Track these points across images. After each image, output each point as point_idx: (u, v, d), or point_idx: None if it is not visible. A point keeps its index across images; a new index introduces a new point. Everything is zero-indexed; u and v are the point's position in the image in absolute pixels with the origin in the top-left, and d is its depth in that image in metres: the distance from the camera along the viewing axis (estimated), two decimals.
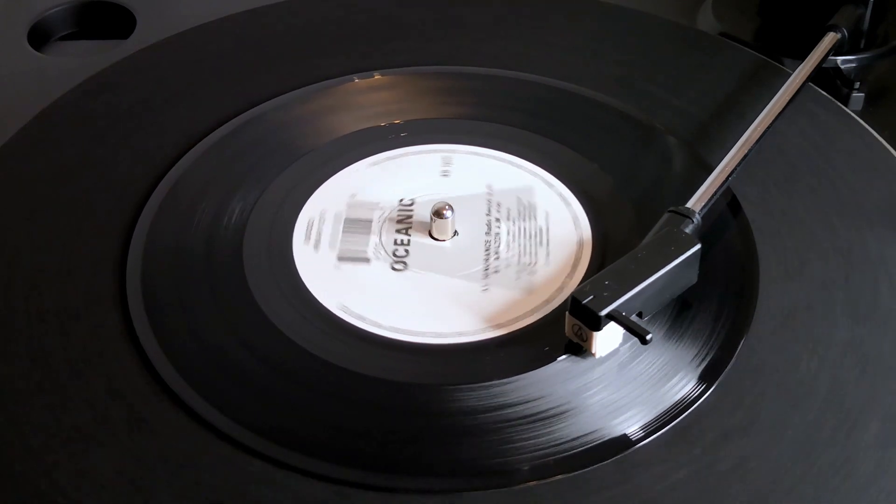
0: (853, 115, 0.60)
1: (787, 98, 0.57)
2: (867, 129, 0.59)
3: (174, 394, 0.46)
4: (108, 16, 0.73)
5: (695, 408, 0.46)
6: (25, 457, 0.44)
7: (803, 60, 0.60)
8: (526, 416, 0.45)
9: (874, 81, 0.67)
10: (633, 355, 0.47)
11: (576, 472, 0.43)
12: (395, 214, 0.55)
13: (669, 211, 0.51)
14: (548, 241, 0.52)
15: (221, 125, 0.59)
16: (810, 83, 0.60)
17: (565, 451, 0.44)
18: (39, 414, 0.45)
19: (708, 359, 0.48)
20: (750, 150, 0.54)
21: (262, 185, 0.56)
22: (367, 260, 0.53)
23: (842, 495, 0.43)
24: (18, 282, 0.51)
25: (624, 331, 0.46)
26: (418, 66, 0.64)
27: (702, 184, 0.52)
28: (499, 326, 0.49)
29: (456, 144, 0.58)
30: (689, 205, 0.51)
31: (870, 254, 0.52)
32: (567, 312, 0.47)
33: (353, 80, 0.62)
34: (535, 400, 0.46)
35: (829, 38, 0.62)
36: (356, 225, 0.54)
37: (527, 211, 0.54)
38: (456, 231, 0.53)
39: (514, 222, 0.54)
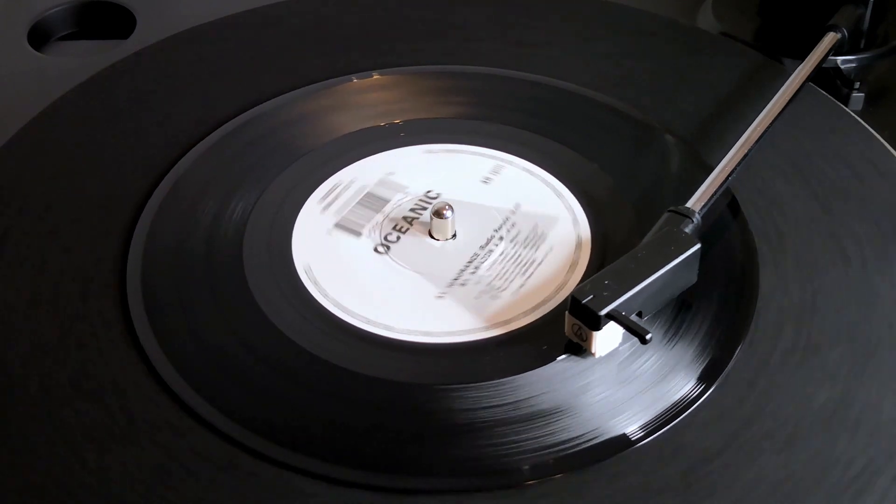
0: (853, 115, 0.60)
1: (787, 98, 0.57)
2: (867, 129, 0.59)
3: (174, 394, 0.46)
4: (108, 16, 0.73)
5: (694, 408, 0.46)
6: (24, 458, 0.44)
7: (803, 60, 0.60)
8: (525, 416, 0.45)
9: (874, 81, 0.67)
10: (632, 355, 0.47)
11: (575, 472, 0.43)
12: (412, 203, 0.55)
13: (669, 211, 0.51)
14: (532, 273, 0.51)
15: (221, 125, 0.59)
16: (810, 83, 0.60)
17: (564, 450, 0.44)
18: (38, 414, 0.45)
19: (707, 359, 0.48)
20: (750, 150, 0.54)
21: (262, 185, 0.56)
22: (358, 234, 0.53)
23: (843, 492, 0.43)
24: (18, 282, 0.51)
25: (624, 330, 0.46)
26: (417, 65, 0.64)
27: (702, 184, 0.52)
28: (499, 326, 0.49)
29: (514, 157, 0.57)
30: (688, 205, 0.51)
31: (870, 253, 0.52)
32: (567, 312, 0.47)
33: (351, 80, 0.62)
34: (534, 400, 0.46)
35: (829, 38, 0.62)
36: (372, 201, 0.55)
37: (534, 240, 0.53)
38: (455, 234, 0.53)
39: (514, 245, 0.53)
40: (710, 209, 0.52)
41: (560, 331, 0.48)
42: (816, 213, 0.54)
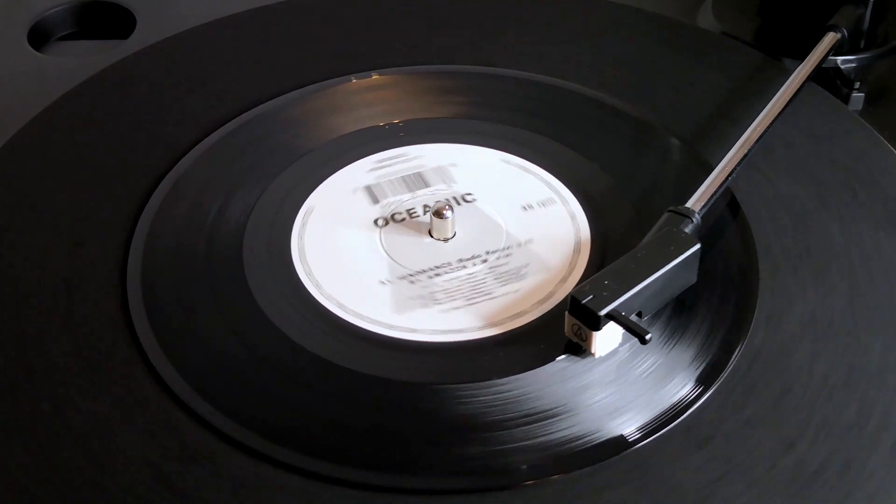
0: (853, 114, 0.60)
1: (787, 98, 0.57)
2: (868, 129, 0.59)
3: (174, 394, 0.46)
4: (108, 16, 0.73)
5: (694, 409, 0.46)
6: (24, 457, 0.44)
7: (803, 60, 0.61)
8: (525, 416, 0.45)
9: (874, 81, 0.67)
10: (632, 355, 0.47)
11: (574, 472, 0.43)
12: (445, 196, 0.55)
13: (669, 211, 0.51)
14: (475, 304, 0.50)
15: (221, 125, 0.59)
16: (811, 82, 0.60)
17: (563, 451, 0.44)
18: (38, 414, 0.45)
19: (707, 359, 0.47)
20: (750, 150, 0.54)
21: (262, 185, 0.56)
22: (377, 202, 0.55)
23: (840, 495, 0.43)
24: (18, 281, 0.51)
25: (623, 330, 0.46)
26: (417, 65, 0.64)
27: (701, 184, 0.52)
28: (498, 325, 0.49)
29: (570, 194, 0.55)
30: (688, 205, 0.51)
31: (870, 253, 0.52)
32: (567, 312, 0.47)
33: (350, 80, 0.62)
34: (534, 400, 0.46)
35: (829, 38, 0.62)
36: (416, 181, 0.56)
37: (508, 277, 0.51)
38: (454, 235, 0.53)
39: (492, 272, 0.51)
40: (710, 209, 0.52)
41: (560, 331, 0.48)
42: (816, 213, 0.54)
